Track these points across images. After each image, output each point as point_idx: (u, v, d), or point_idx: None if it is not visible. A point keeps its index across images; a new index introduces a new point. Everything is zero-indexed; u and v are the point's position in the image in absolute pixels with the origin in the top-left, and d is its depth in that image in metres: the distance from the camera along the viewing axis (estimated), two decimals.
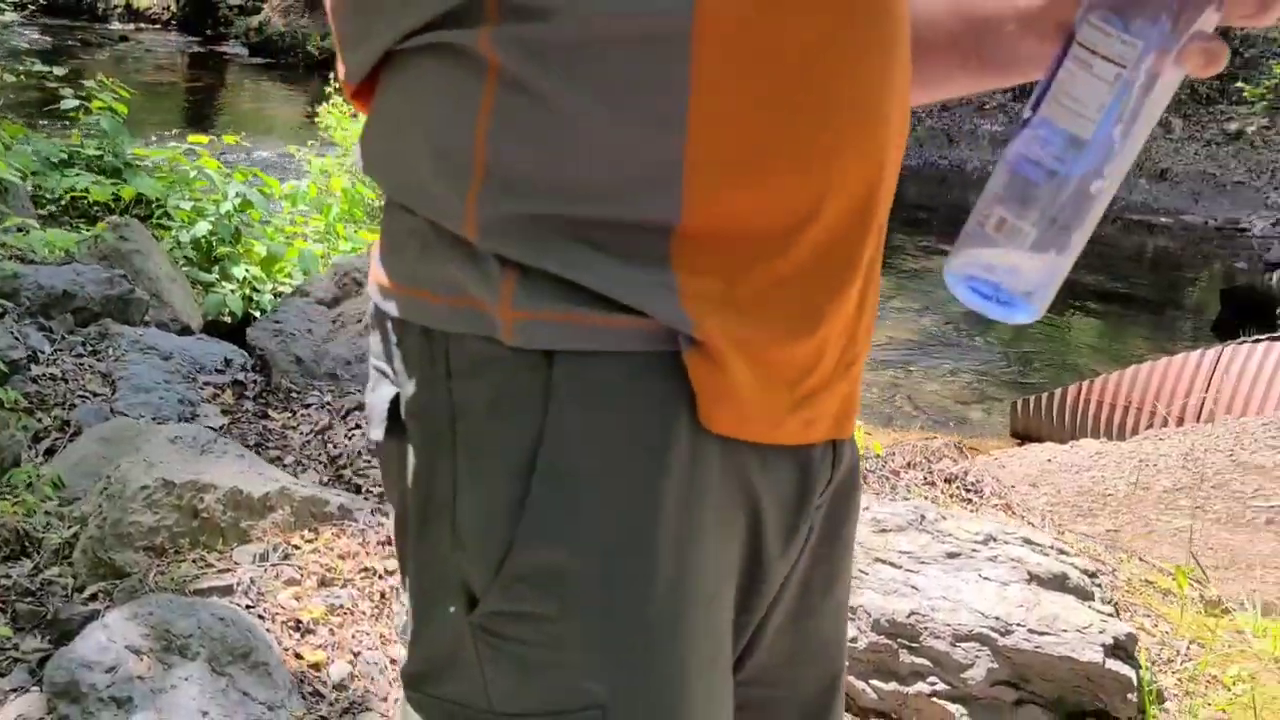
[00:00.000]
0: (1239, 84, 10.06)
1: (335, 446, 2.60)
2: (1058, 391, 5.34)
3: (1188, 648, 2.20)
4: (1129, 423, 5.21)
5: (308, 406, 2.79)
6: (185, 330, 3.25)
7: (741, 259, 0.60)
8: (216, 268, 3.75)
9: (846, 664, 0.85)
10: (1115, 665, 1.83)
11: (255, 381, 2.89)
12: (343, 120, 4.82)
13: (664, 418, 0.60)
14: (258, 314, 3.62)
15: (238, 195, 3.87)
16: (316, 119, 5.18)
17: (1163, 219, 9.44)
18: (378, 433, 0.67)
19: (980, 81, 0.80)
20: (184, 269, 3.66)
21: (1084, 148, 0.64)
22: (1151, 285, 8.32)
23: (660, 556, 0.61)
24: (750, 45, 0.58)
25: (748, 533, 0.67)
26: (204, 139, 4.13)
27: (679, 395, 0.61)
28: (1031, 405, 5.39)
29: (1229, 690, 2.06)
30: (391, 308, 0.64)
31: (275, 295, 3.72)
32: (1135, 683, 1.84)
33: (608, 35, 0.56)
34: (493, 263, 0.59)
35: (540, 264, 0.58)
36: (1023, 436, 5.42)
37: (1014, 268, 0.66)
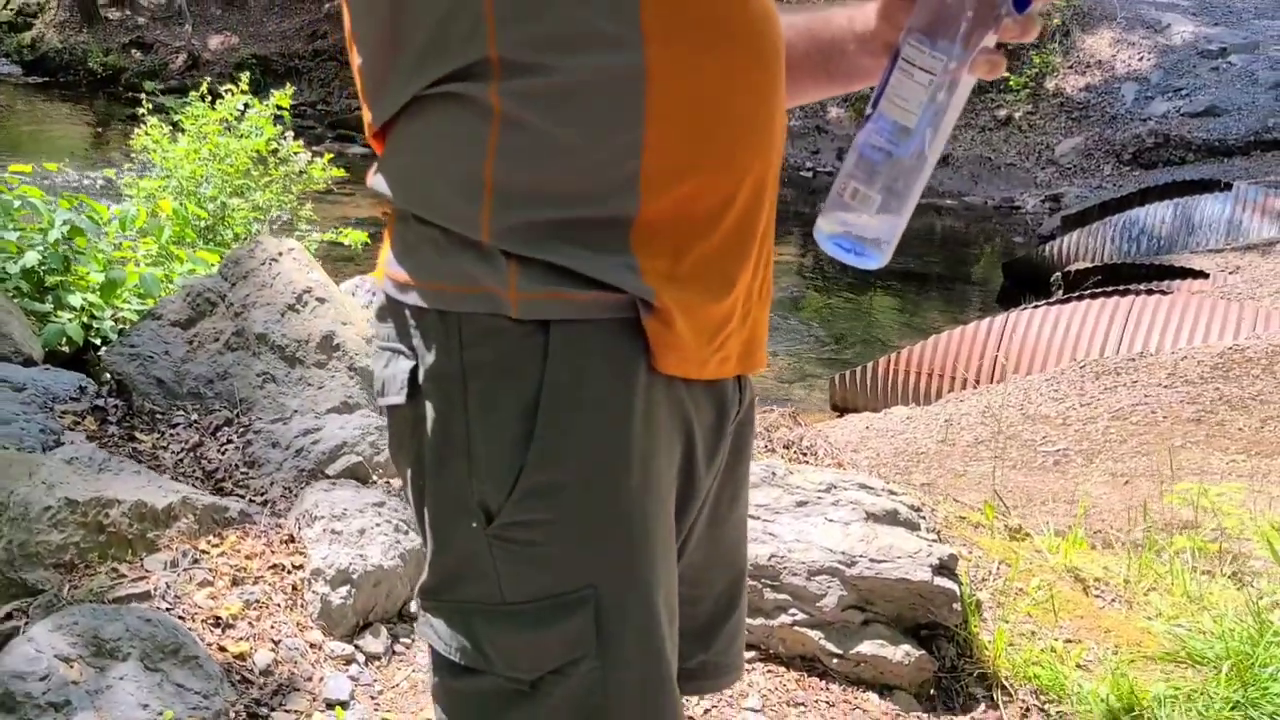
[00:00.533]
0: (1005, 74, 11.03)
1: (210, 462, 2.66)
2: (870, 365, 5.82)
3: (997, 567, 2.56)
4: (934, 388, 5.74)
5: (175, 426, 2.83)
6: (29, 361, 3.20)
7: (682, 242, 0.82)
8: (50, 297, 3.68)
9: (748, 565, 1.09)
10: (941, 581, 2.15)
11: (116, 406, 2.90)
12: (163, 142, 4.75)
13: (629, 366, 0.82)
14: (98, 341, 3.58)
15: (65, 223, 3.80)
16: (132, 139, 5.07)
17: (947, 201, 10.25)
18: (398, 398, 0.85)
19: (826, 90, 1.05)
20: (16, 300, 3.58)
21: (910, 134, 0.89)
22: (942, 262, 9.05)
23: (632, 468, 0.82)
24: (686, 81, 0.80)
25: (684, 451, 0.90)
26: (27, 168, 4.01)
27: (638, 348, 0.82)
28: (848, 379, 5.85)
29: (1032, 597, 2.44)
30: (412, 298, 0.83)
31: (116, 321, 3.68)
32: (958, 594, 2.17)
33: (586, 81, 0.77)
34: (500, 258, 0.79)
35: (537, 256, 0.78)
36: (841, 408, 5.88)
37: (866, 225, 0.91)
